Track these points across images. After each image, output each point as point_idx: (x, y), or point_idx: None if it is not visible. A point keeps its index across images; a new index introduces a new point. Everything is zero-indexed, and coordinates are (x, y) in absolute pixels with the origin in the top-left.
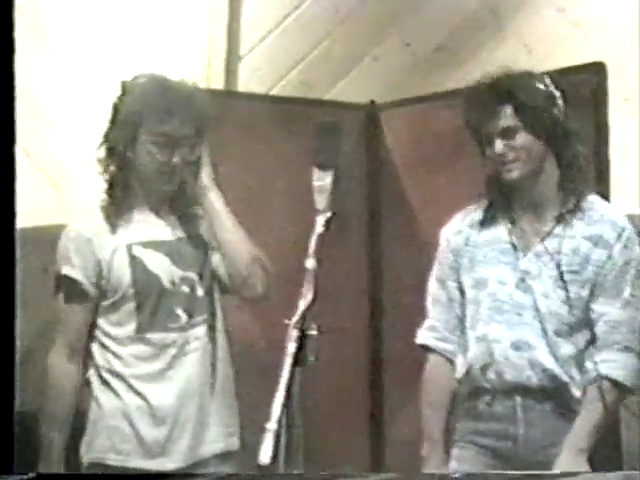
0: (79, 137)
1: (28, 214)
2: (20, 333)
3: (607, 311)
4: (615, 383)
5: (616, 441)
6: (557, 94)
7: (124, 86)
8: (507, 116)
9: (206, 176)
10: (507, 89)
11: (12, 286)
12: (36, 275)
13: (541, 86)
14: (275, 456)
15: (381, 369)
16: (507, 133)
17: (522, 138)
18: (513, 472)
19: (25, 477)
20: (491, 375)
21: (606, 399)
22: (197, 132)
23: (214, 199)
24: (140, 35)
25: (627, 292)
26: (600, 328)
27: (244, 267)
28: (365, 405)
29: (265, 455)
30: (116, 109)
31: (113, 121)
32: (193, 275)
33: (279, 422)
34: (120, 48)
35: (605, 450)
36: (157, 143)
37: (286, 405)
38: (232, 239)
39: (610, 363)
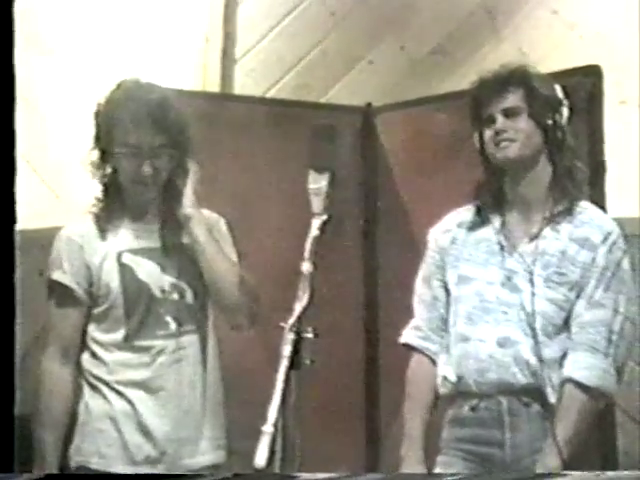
0: (78, 143)
1: (27, 218)
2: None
3: (580, 312)
4: (577, 384)
5: (612, 443)
6: (566, 105)
7: (105, 97)
8: (516, 97)
9: (189, 205)
10: (523, 75)
11: (12, 288)
12: (32, 278)
13: (556, 87)
14: (271, 459)
15: (377, 372)
16: (511, 112)
17: (524, 122)
18: (504, 473)
19: (30, 477)
20: (476, 375)
21: (573, 401)
22: (172, 141)
23: (196, 229)
24: (137, 38)
25: (599, 294)
26: (573, 329)
27: (228, 298)
28: (361, 408)
29: (261, 458)
30: (97, 118)
31: (97, 129)
32: (183, 282)
33: (275, 425)
34: (117, 51)
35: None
36: (124, 154)
37: (282, 408)
38: (216, 270)
39: (575, 364)
